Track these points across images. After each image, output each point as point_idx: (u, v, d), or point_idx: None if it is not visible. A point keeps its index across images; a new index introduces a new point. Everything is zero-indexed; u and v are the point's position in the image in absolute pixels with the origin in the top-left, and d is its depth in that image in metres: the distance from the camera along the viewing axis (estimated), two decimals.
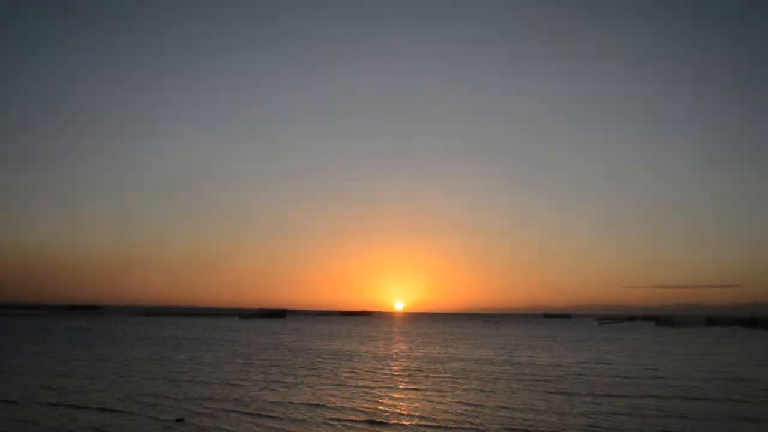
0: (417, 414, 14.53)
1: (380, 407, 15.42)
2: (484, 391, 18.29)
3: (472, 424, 13.35)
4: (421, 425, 13.18)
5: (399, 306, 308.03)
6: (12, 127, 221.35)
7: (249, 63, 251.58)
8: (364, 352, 34.30)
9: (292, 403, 15.85)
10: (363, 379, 21.33)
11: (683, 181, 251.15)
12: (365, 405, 15.69)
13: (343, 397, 16.89)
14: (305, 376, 21.93)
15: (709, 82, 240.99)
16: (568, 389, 18.99)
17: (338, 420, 13.71)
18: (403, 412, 14.84)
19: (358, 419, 13.83)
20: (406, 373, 23.47)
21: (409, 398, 17.00)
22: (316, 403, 15.93)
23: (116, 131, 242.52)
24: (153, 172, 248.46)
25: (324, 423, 13.35)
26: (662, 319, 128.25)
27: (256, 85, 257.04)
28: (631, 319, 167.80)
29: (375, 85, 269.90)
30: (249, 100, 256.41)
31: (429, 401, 16.39)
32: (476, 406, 15.67)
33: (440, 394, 17.77)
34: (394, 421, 13.61)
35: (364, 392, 18.01)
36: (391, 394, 17.65)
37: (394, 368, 25.18)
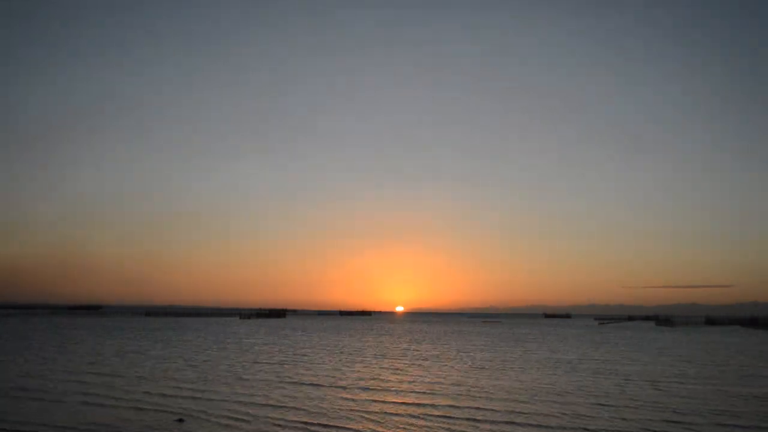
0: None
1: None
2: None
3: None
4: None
5: (399, 308, 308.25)
6: (11, 130, 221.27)
7: (248, 63, 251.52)
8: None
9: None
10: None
11: (683, 182, 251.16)
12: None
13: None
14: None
15: (706, 83, 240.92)
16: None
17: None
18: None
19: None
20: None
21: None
22: (319, 403, 15.97)
23: (112, 136, 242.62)
24: (152, 174, 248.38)
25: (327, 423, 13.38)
26: (662, 319, 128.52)
27: (255, 85, 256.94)
28: (630, 318, 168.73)
29: (373, 87, 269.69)
30: (249, 101, 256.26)
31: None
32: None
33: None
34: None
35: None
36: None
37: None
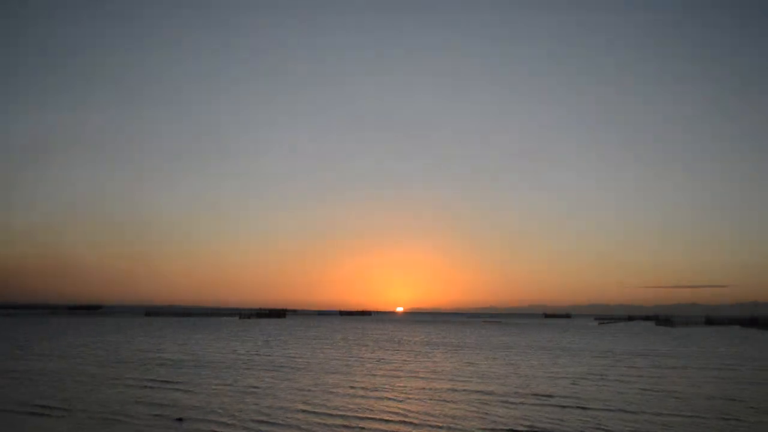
0: None
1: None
2: None
3: None
4: None
5: (399, 309, 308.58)
6: (10, 130, 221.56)
7: (248, 63, 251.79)
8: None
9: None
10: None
11: (682, 183, 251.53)
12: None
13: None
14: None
15: (706, 85, 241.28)
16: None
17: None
18: None
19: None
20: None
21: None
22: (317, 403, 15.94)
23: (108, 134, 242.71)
24: (153, 174, 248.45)
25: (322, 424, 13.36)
26: (662, 318, 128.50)
27: (254, 84, 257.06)
28: (630, 318, 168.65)
29: (373, 86, 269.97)
30: (248, 101, 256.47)
31: None
32: None
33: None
34: None
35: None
36: None
37: None
